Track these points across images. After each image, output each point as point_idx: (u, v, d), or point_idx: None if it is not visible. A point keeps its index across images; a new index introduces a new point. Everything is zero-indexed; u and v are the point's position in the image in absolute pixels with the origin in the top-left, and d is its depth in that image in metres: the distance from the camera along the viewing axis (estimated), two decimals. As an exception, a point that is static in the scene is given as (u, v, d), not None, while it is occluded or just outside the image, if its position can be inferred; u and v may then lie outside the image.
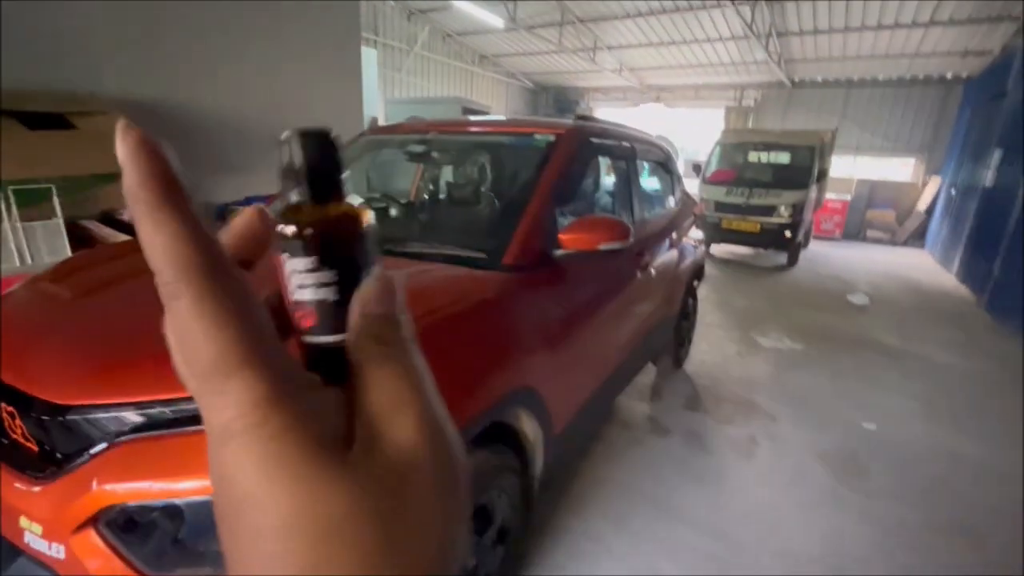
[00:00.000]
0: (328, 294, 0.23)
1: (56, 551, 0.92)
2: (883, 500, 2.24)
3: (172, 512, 0.89)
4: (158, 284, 0.18)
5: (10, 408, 0.98)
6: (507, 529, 1.52)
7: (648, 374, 3.29)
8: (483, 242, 1.61)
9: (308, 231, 0.23)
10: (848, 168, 11.50)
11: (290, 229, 0.23)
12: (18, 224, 2.22)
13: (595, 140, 2.08)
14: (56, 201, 2.31)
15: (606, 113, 14.41)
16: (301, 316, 0.23)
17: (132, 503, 0.89)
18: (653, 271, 2.38)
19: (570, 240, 1.60)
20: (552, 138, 1.91)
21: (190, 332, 0.18)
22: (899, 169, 11.56)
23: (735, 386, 3.32)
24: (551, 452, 1.64)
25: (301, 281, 0.23)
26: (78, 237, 2.45)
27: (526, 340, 1.43)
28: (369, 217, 0.24)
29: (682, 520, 2.06)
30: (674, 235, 2.81)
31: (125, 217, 2.72)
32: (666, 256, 2.62)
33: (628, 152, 2.42)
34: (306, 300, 0.23)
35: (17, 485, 0.96)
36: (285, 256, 0.23)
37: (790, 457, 2.55)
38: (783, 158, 7.87)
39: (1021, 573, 1.61)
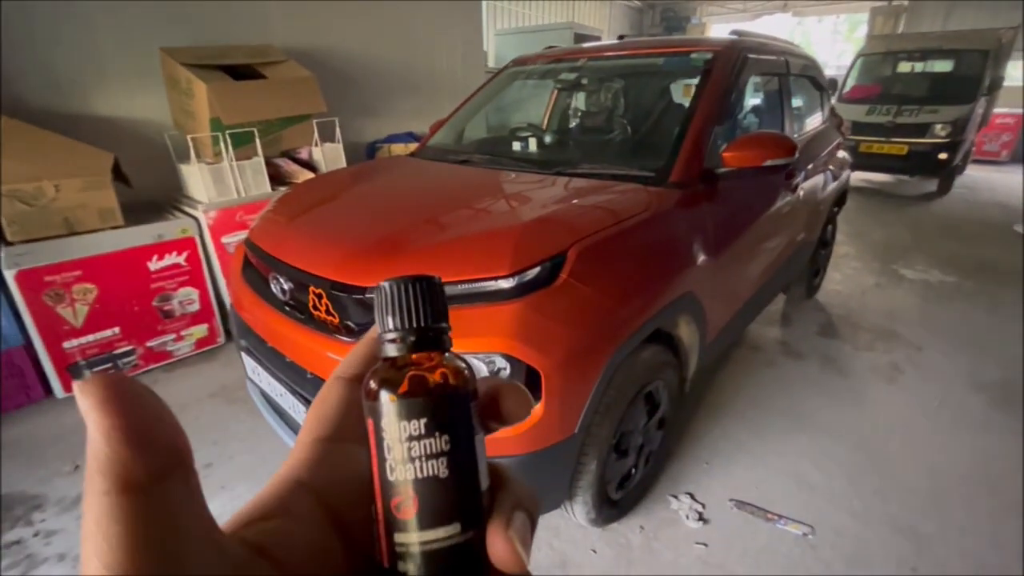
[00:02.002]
0: (440, 467, 0.20)
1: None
2: (1048, 429, 2.15)
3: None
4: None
5: (318, 291, 1.33)
6: (665, 419, 1.73)
7: (776, 302, 3.27)
8: (649, 161, 1.72)
9: (418, 388, 0.20)
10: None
11: (390, 388, 0.20)
12: (234, 163, 2.71)
13: (752, 56, 2.04)
14: (258, 142, 2.76)
15: (720, 29, 13.03)
16: (397, 503, 0.20)
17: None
18: (800, 193, 2.34)
19: (734, 157, 1.66)
20: (709, 56, 1.91)
21: None
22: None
23: (874, 316, 3.20)
24: (703, 357, 1.80)
25: (405, 452, 0.19)
26: (270, 173, 2.92)
27: (691, 250, 1.56)
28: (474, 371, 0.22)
29: (820, 432, 2.14)
30: (821, 156, 2.69)
31: (303, 155, 3.16)
32: (812, 179, 2.54)
33: (782, 67, 2.32)
34: (409, 479, 0.19)
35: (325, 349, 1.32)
36: (384, 422, 0.20)
37: (938, 384, 2.48)
38: (943, 66, 6.75)
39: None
